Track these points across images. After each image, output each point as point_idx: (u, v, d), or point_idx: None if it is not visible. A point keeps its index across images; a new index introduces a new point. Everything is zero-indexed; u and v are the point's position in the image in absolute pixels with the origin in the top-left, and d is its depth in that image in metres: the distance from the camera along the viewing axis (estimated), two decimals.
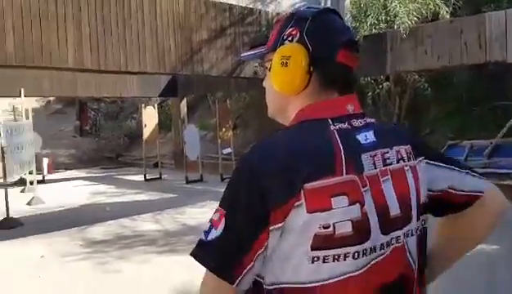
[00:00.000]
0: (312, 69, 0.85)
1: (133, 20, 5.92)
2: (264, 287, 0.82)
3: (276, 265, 0.80)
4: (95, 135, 17.21)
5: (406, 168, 0.85)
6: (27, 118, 9.00)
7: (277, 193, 0.77)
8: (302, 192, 0.76)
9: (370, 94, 10.09)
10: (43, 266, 4.86)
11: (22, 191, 9.64)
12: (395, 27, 8.19)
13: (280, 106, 0.94)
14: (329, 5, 9.40)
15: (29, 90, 9.42)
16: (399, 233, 0.83)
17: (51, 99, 17.68)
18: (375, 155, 0.82)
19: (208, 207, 7.68)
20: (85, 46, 5.56)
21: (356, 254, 0.78)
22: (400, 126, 1.01)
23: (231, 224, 0.81)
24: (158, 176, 11.29)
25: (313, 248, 0.77)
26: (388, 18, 8.46)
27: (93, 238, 5.96)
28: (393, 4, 8.27)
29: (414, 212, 0.86)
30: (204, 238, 0.85)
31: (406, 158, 0.86)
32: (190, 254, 0.87)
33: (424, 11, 8.43)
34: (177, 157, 13.11)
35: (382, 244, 0.81)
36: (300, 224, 0.76)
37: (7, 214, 6.71)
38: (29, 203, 8.37)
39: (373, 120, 0.88)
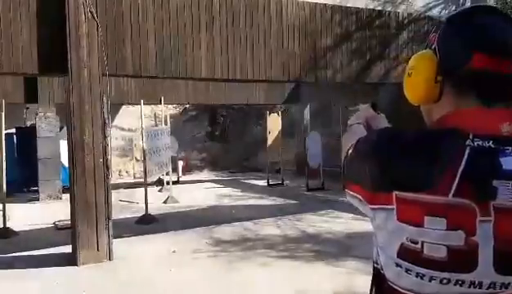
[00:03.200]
0: (439, 78, 0.80)
1: (260, 29, 6.12)
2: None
3: (378, 251, 0.81)
4: (224, 140, 18.24)
5: None
6: (165, 123, 9.92)
7: (377, 180, 0.77)
8: (394, 197, 0.73)
9: None
10: (174, 260, 5.27)
11: (160, 191, 10.63)
12: None
13: (425, 114, 0.89)
14: (469, 3, 8.59)
15: (168, 98, 10.41)
16: None
17: (187, 106, 19.27)
18: None
19: (328, 215, 7.54)
20: (216, 57, 5.92)
21: (445, 280, 0.71)
22: None
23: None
24: (280, 182, 11.49)
25: (398, 256, 0.74)
26: None
27: (219, 237, 6.28)
28: None
29: None
30: None
31: None
32: None
33: None
34: (299, 163, 13.19)
35: (493, 283, 0.70)
36: (390, 229, 0.75)
37: (146, 211, 7.45)
38: (165, 202, 9.19)
39: None
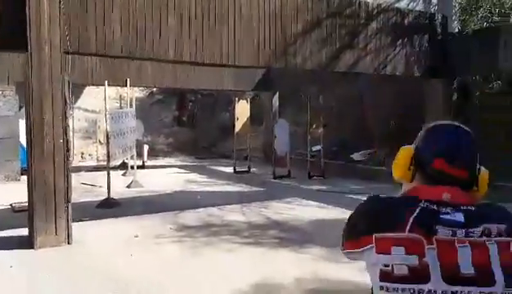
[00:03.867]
0: (411, 167, 1.16)
1: (230, 12, 6.00)
2: None
3: (373, 287, 1.10)
4: (191, 125, 18.04)
5: (488, 242, 1.02)
6: (131, 106, 9.67)
7: (363, 230, 1.12)
8: (373, 238, 1.06)
9: (477, 93, 9.20)
10: (136, 245, 5.16)
11: (123, 175, 10.41)
12: (510, 20, 7.36)
13: (403, 185, 1.25)
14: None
15: (135, 80, 10.14)
16: (471, 289, 0.99)
17: (154, 89, 18.88)
18: (457, 230, 1.03)
19: (294, 203, 7.60)
20: (185, 40, 5.77)
21: (411, 290, 1.00)
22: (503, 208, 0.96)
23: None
24: (247, 169, 11.48)
25: (380, 279, 1.04)
26: (503, 10, 7.65)
27: (184, 223, 6.20)
28: None
29: (498, 279, 0.99)
30: None
31: (494, 235, 1.03)
32: None
33: None
34: (266, 151, 13.22)
35: (444, 291, 0.99)
36: (372, 261, 1.06)
37: (108, 195, 7.27)
38: (128, 186, 9.00)
39: (472, 208, 1.07)
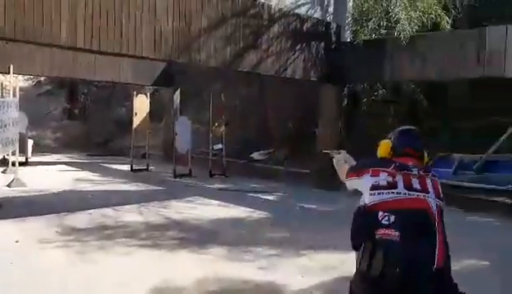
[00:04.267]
0: (391, 152, 2.16)
1: None
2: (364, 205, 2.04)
3: (364, 196, 2.05)
4: (83, 119, 16.84)
5: (426, 177, 2.03)
6: (14, 96, 8.65)
7: (364, 167, 2.11)
8: (370, 170, 2.05)
9: (365, 100, 9.93)
10: (17, 252, 4.58)
11: (3, 172, 9.30)
12: (395, 34, 8.05)
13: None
14: (332, 6, 9.21)
15: (20, 67, 9.10)
16: (420, 193, 1.96)
17: (42, 79, 17.26)
18: (414, 173, 2.02)
19: (195, 202, 7.44)
20: (79, 23, 5.26)
21: (390, 192, 1.95)
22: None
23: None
24: (145, 167, 11.00)
25: (370, 189, 1.99)
26: (390, 24, 8.32)
27: (73, 226, 5.68)
28: (396, 10, 8.11)
29: (431, 190, 1.99)
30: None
31: (429, 176, 2.05)
32: None
33: (425, 20, 8.28)
34: (166, 149, 12.82)
35: (405, 193, 1.95)
36: (367, 181, 2.02)
37: None
38: (8, 185, 8.04)
39: (422, 171, 2.06)
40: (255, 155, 11.21)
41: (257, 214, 6.70)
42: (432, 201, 1.93)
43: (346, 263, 4.48)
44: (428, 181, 1.99)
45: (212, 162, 10.51)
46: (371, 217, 1.91)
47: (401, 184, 1.94)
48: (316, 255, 4.77)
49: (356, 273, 2.04)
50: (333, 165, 2.49)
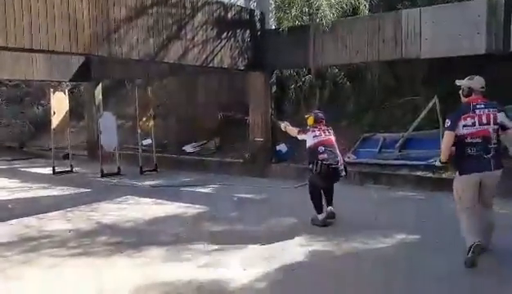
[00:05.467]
0: (314, 121, 5.62)
1: None
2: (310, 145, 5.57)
3: (308, 141, 5.59)
4: None
5: (330, 130, 5.56)
6: None
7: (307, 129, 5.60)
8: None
9: (293, 86, 10.07)
10: None
11: None
12: (317, 20, 8.19)
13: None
14: None
15: None
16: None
17: None
18: (323, 128, 5.52)
19: (126, 202, 7.10)
20: None
21: (320, 135, 5.42)
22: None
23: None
24: (69, 169, 10.32)
25: (312, 137, 5.45)
26: (311, 10, 8.45)
27: None
28: None
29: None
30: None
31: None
32: None
33: (345, 5, 8.53)
34: (90, 148, 12.13)
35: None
36: (311, 134, 5.48)
37: None
38: None
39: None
40: (187, 148, 10.96)
41: (193, 209, 6.54)
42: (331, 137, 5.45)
43: (286, 251, 4.54)
44: (330, 131, 5.51)
45: (142, 158, 10.11)
46: (316, 150, 5.29)
47: (320, 133, 5.39)
48: (256, 245, 4.75)
49: (312, 174, 5.38)
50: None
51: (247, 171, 9.18)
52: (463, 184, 4.03)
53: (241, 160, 9.54)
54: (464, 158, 3.96)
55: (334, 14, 8.19)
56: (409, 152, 8.18)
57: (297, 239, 4.92)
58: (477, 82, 4.05)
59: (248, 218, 5.96)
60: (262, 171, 9.05)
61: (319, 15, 8.15)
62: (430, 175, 7.42)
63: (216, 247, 4.74)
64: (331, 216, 5.35)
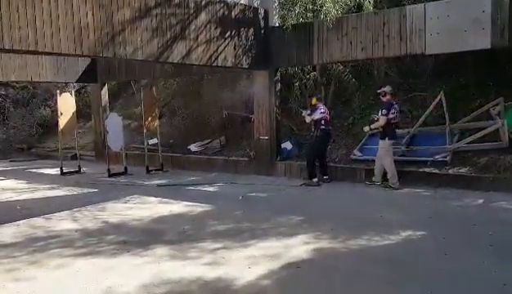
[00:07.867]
0: (317, 101, 8.26)
1: None
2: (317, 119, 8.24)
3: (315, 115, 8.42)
4: (3, 123, 15.60)
5: (326, 107, 8.46)
6: None
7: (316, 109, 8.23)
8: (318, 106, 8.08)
9: (297, 84, 10.07)
10: None
11: None
12: (321, 17, 8.18)
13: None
14: None
15: None
16: (326, 112, 8.21)
17: None
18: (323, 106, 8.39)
19: (133, 202, 7.16)
20: None
21: (323, 112, 8.13)
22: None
23: None
24: (76, 169, 10.41)
25: (320, 112, 8.14)
26: (315, 7, 8.43)
27: (0, 241, 5.23)
28: None
29: (327, 111, 8.26)
30: None
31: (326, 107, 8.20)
32: None
33: (349, 2, 8.50)
34: (97, 148, 12.23)
35: (326, 112, 8.23)
36: (319, 111, 8.10)
37: None
38: None
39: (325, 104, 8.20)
40: (193, 147, 11.01)
41: (199, 207, 6.58)
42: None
43: (290, 249, 4.56)
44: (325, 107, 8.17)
45: (148, 157, 10.18)
46: (320, 121, 7.95)
47: (324, 110, 8.02)
48: (261, 243, 4.77)
49: (311, 143, 8.33)
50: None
51: (252, 169, 9.21)
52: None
53: (246, 158, 9.56)
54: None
55: (338, 10, 8.18)
56: (415, 148, 8.16)
57: (302, 237, 4.93)
58: (388, 88, 7.55)
59: (253, 216, 5.99)
60: (267, 169, 9.07)
61: (323, 12, 8.14)
62: (437, 171, 7.39)
63: (221, 244, 4.77)
64: (327, 181, 8.01)
